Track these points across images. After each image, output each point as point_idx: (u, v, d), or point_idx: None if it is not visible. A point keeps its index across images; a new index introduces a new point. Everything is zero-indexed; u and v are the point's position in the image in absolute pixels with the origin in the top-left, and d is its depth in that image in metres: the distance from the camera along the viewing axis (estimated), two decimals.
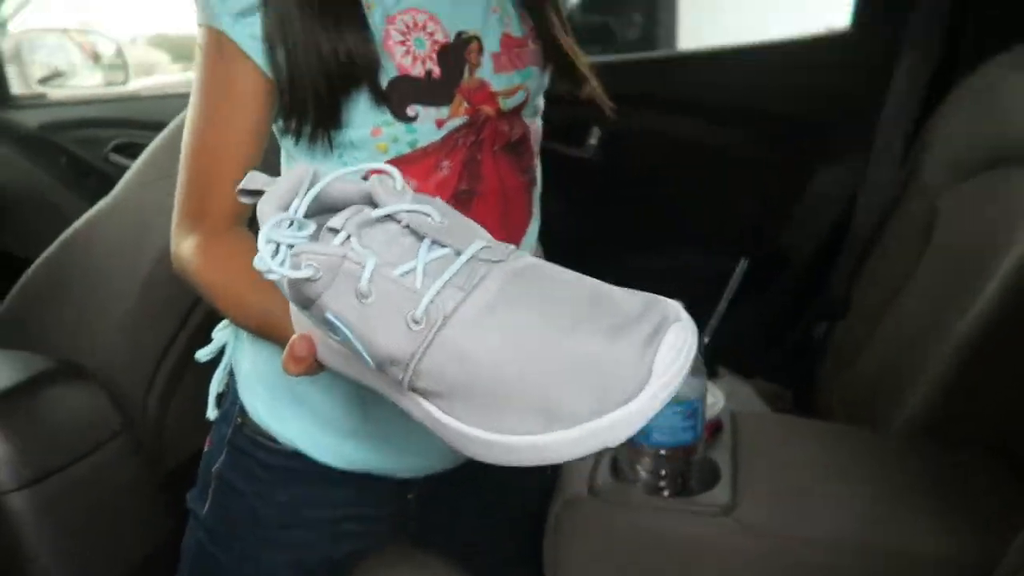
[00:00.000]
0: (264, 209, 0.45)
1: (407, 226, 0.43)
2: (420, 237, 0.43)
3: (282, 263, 0.43)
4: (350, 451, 0.72)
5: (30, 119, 1.86)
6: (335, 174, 0.45)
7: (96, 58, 2.38)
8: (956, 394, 0.92)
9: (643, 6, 2.35)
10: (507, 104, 0.69)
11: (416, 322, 0.41)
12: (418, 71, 0.65)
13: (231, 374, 0.76)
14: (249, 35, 0.62)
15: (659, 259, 1.49)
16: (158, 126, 1.52)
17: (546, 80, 0.74)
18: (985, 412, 0.90)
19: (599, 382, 0.39)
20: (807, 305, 1.43)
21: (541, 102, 0.75)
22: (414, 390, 0.43)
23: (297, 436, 0.72)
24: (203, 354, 0.74)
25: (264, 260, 0.43)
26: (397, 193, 0.44)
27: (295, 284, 0.43)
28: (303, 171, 0.45)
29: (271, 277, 0.43)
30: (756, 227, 1.48)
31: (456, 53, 0.66)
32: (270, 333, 0.60)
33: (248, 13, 0.61)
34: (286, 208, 0.44)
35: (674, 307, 0.41)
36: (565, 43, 0.72)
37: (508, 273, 0.42)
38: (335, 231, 0.43)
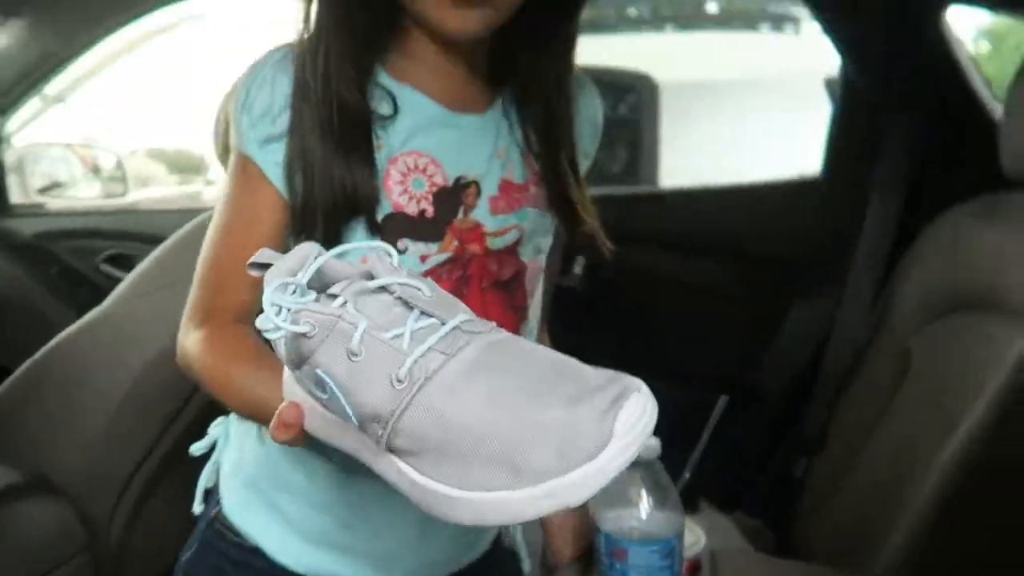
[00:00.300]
0: (270, 278, 0.48)
1: (399, 297, 0.47)
2: (410, 308, 0.47)
3: (284, 319, 0.46)
4: (312, 557, 0.74)
5: (26, 228, 1.88)
6: (337, 250, 0.50)
7: (96, 170, 2.45)
8: (928, 545, 0.92)
9: (627, 143, 2.48)
10: (495, 243, 0.72)
11: (399, 381, 0.45)
12: (412, 210, 0.68)
13: (218, 470, 0.78)
14: (272, 161, 0.67)
15: None
16: (153, 239, 1.55)
17: (549, 222, 0.76)
18: (956, 561, 0.90)
19: (563, 442, 0.42)
20: (785, 440, 1.44)
21: (546, 242, 0.77)
22: (391, 450, 0.46)
23: (264, 535, 0.74)
24: (197, 448, 0.77)
25: (267, 318, 0.46)
26: (393, 269, 0.48)
27: (292, 341, 0.47)
28: (308, 248, 0.50)
29: (271, 335, 0.47)
30: (735, 362, 1.51)
31: (453, 196, 0.70)
32: (265, 421, 0.62)
33: (273, 141, 0.67)
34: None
35: (635, 381, 0.44)
36: (574, 194, 0.74)
37: (486, 343, 0.46)
38: (334, 296, 0.47)
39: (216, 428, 0.79)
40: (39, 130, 2.18)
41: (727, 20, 3.38)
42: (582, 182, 0.76)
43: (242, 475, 0.75)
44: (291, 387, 0.52)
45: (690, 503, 0.76)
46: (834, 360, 1.38)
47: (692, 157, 2.38)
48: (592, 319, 1.57)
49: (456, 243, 0.70)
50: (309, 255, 0.49)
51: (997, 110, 1.29)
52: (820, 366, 1.41)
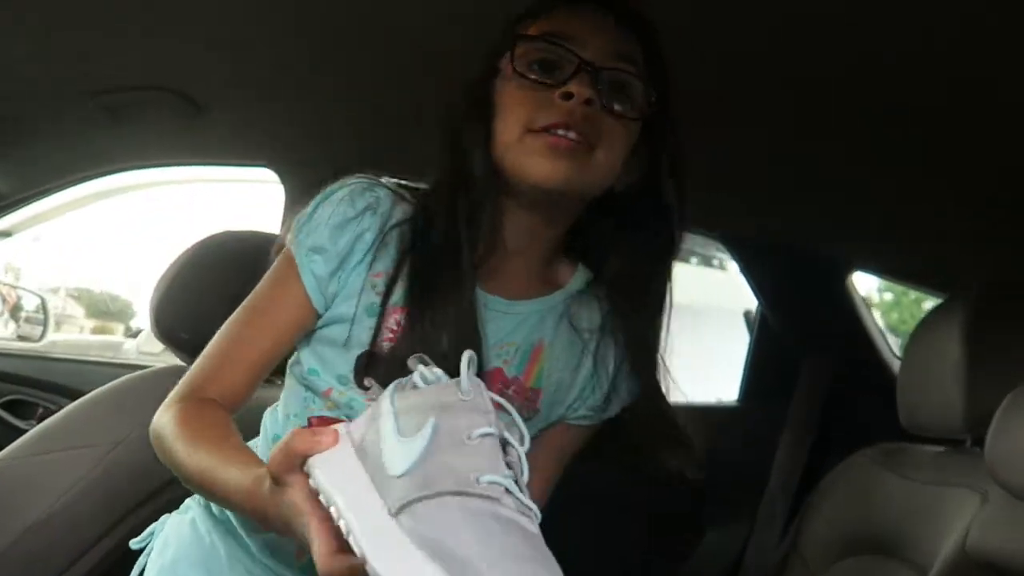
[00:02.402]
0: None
1: (508, 462, 0.54)
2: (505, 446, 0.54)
3: (469, 373, 0.55)
4: None
5: None
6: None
7: (17, 310, 2.37)
8: None
9: None
10: None
11: (478, 481, 0.50)
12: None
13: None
14: (310, 270, 0.72)
15: None
16: (58, 389, 1.49)
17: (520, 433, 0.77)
18: None
19: None
20: None
21: None
22: (400, 512, 0.48)
23: None
24: (135, 542, 0.83)
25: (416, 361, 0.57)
26: (521, 444, 0.56)
27: (439, 390, 0.54)
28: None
29: (434, 375, 0.56)
30: None
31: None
32: (220, 489, 0.64)
33: (318, 251, 0.72)
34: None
35: None
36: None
37: (538, 536, 0.53)
38: None
39: (155, 525, 0.83)
40: None
41: None
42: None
43: (166, 556, 0.78)
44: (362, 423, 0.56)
45: None
46: None
47: None
48: None
49: None
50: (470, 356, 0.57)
51: (895, 364, 1.41)
52: None
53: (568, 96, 0.67)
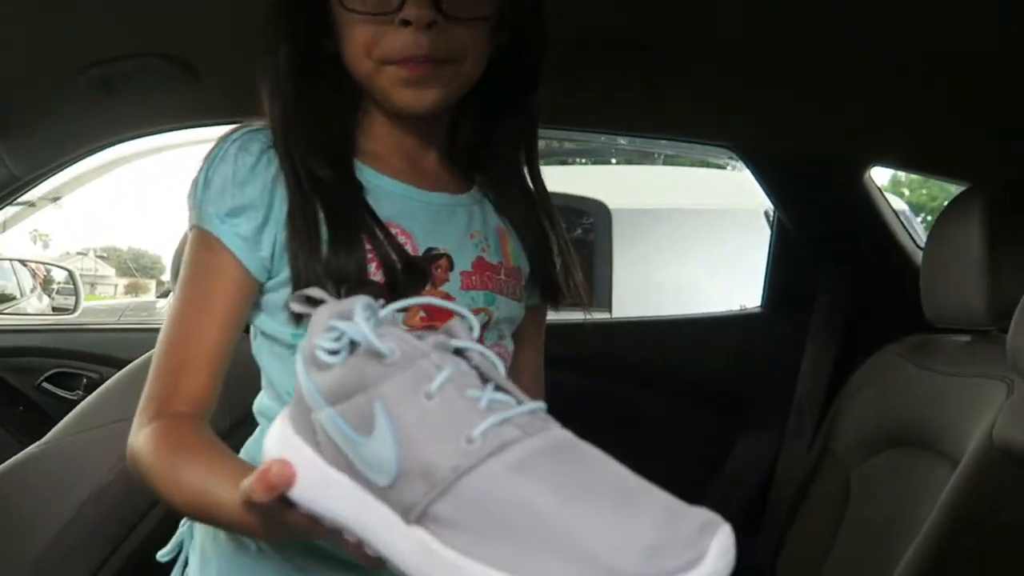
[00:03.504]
0: (323, 310, 0.45)
1: (476, 366, 0.44)
2: (485, 380, 0.44)
3: (369, 326, 0.43)
4: None
5: None
6: (401, 303, 0.47)
7: (47, 283, 2.43)
8: None
9: (582, 265, 2.56)
10: None
11: (470, 441, 0.41)
12: (379, 277, 0.67)
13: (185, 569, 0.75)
14: (234, 233, 0.67)
15: None
16: (100, 359, 1.54)
17: (517, 311, 0.77)
18: None
19: (655, 551, 0.38)
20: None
21: (509, 329, 0.77)
22: (422, 519, 0.41)
23: None
24: (163, 554, 0.75)
25: (325, 340, 0.43)
26: (472, 337, 0.46)
27: (354, 366, 0.43)
28: (364, 297, 0.46)
29: (327, 359, 0.43)
30: (679, 494, 1.53)
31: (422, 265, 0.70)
32: (216, 512, 0.58)
33: (235, 214, 0.67)
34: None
35: (719, 516, 0.41)
36: (559, 275, 0.78)
37: (565, 438, 0.43)
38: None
39: (182, 529, 0.76)
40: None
41: (673, 156, 3.58)
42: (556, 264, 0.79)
43: (209, 572, 0.72)
44: (285, 442, 0.47)
45: None
46: (780, 490, 1.41)
47: (644, 289, 2.46)
48: None
49: (422, 314, 0.69)
50: (366, 301, 0.45)
51: (919, 256, 1.39)
52: (767, 497, 1.43)
53: (407, 22, 0.64)
